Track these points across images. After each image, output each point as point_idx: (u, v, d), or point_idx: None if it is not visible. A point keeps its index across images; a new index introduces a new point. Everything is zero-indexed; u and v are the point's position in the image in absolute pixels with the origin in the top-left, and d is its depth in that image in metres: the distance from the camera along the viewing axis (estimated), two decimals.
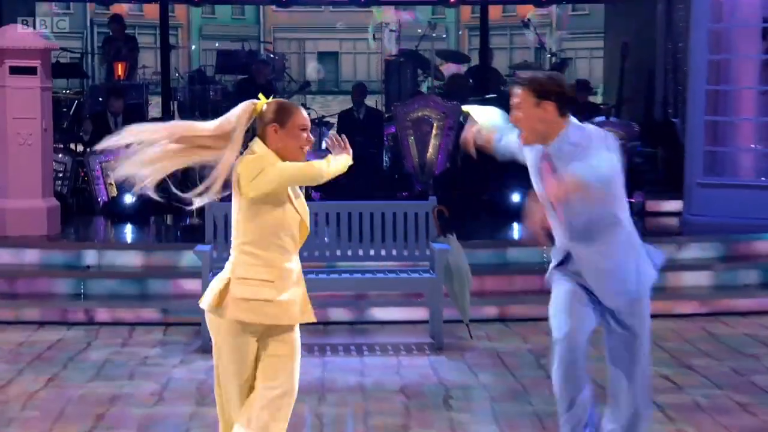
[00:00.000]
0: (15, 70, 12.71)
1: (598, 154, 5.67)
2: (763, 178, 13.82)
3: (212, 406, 8.38)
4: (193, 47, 28.45)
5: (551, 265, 6.22)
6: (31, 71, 12.76)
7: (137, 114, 18.14)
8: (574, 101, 5.95)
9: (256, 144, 5.64)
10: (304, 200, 5.86)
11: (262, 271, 5.63)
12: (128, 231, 14.36)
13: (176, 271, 12.08)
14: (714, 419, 7.97)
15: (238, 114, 5.70)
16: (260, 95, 5.87)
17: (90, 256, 12.25)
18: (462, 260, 10.40)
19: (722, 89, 14.03)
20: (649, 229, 14.17)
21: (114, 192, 15.06)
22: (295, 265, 5.75)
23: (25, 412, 8.20)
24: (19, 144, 12.74)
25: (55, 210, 13.18)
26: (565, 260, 6.07)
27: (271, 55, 24.04)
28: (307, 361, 8.06)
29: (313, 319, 5.87)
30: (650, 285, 5.95)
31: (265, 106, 5.72)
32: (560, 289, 6.05)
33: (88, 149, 16.43)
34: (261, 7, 28.53)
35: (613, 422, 6.05)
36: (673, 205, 14.73)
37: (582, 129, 5.76)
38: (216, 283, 5.62)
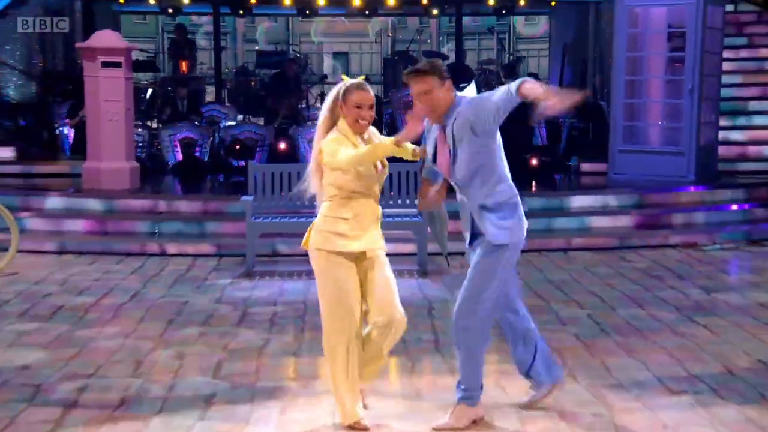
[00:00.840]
0: (105, 64, 12.80)
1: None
2: (666, 146, 13.93)
3: (259, 308, 8.90)
4: (238, 48, 28.21)
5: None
6: (116, 65, 12.84)
7: (197, 99, 18.51)
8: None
9: (340, 120, 5.57)
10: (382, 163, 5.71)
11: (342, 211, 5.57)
12: (190, 186, 14.44)
13: (226, 216, 12.17)
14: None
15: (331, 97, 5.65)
16: (342, 75, 5.83)
17: (162, 205, 12.56)
18: (441, 207, 10.50)
19: (637, 79, 14.24)
20: (582, 184, 14.62)
21: (180, 157, 15.38)
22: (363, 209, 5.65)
23: (115, 318, 8.58)
24: (108, 120, 12.81)
25: (135, 170, 13.39)
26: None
27: (298, 55, 23.89)
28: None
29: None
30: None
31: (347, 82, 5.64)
32: None
33: (161, 125, 16.59)
34: (289, 17, 28.21)
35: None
36: (601, 166, 14.70)
37: (462, 98, 5.51)
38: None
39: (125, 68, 13.02)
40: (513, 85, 5.19)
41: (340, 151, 5.40)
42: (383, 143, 5.48)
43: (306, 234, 5.72)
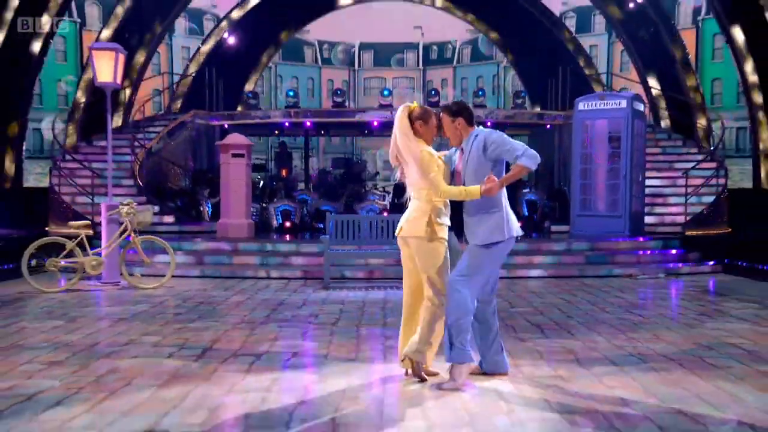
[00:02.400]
0: (234, 155, 13.05)
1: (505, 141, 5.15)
2: (609, 212, 13.75)
3: (331, 306, 8.84)
4: (320, 156, 28.57)
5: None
6: (241, 155, 13.06)
7: (292, 188, 18.65)
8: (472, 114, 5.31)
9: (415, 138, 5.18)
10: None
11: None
12: (284, 240, 14.21)
13: (310, 254, 12.03)
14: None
15: (400, 117, 5.21)
16: (414, 101, 5.47)
17: (269, 246, 12.49)
18: (455, 241, 10.46)
19: (588, 167, 14.09)
20: (552, 236, 14.32)
21: (280, 219, 15.41)
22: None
23: (237, 308, 8.61)
24: (235, 191, 13.07)
25: (251, 225, 13.45)
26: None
27: (358, 160, 24.03)
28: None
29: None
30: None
31: (415, 108, 5.27)
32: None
33: (268, 202, 16.65)
34: (354, 137, 28.45)
35: None
36: (565, 227, 14.52)
37: (480, 131, 5.22)
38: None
39: (246, 158, 13.20)
40: (520, 155, 5.05)
41: (439, 178, 5.11)
42: (472, 189, 5.01)
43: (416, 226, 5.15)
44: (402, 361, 5.35)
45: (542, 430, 4.23)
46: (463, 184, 5.15)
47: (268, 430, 4.22)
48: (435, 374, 5.34)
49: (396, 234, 5.37)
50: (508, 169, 5.26)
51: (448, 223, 5.23)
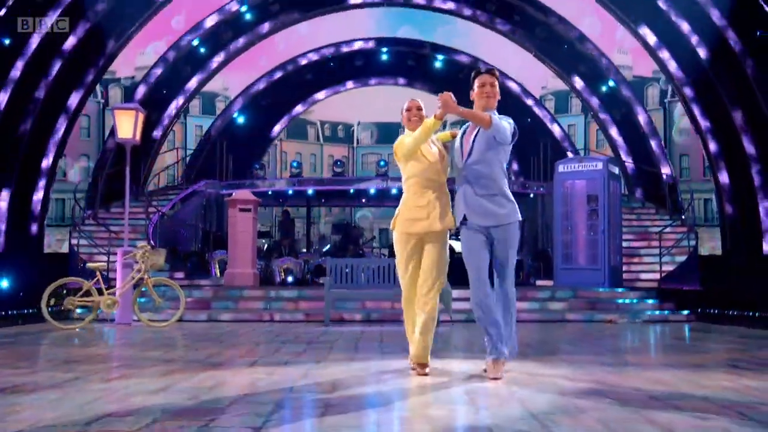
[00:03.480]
0: (241, 210, 13.14)
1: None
2: (589, 265, 13.74)
3: (331, 335, 8.70)
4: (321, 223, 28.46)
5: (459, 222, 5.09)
6: (248, 210, 13.16)
7: (295, 249, 18.61)
8: None
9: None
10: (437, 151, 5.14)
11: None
12: (287, 287, 14.35)
13: (311, 298, 11.93)
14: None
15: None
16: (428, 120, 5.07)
17: (271, 293, 12.42)
18: (447, 286, 10.43)
19: (569, 224, 14.15)
20: (538, 287, 14.27)
21: (283, 276, 15.40)
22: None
23: (239, 339, 8.53)
24: (242, 243, 12.97)
25: (256, 275, 13.46)
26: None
27: (355, 226, 23.77)
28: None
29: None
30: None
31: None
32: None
33: (271, 259, 16.59)
34: (351, 207, 28.50)
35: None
36: (549, 282, 14.56)
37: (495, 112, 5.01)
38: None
39: (253, 212, 13.29)
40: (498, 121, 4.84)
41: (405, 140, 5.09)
42: (427, 120, 4.93)
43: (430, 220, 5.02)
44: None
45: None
46: (468, 157, 4.97)
47: (274, 393, 4.17)
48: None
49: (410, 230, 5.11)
50: (509, 171, 5.12)
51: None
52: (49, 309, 9.87)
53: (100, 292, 10.02)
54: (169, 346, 7.33)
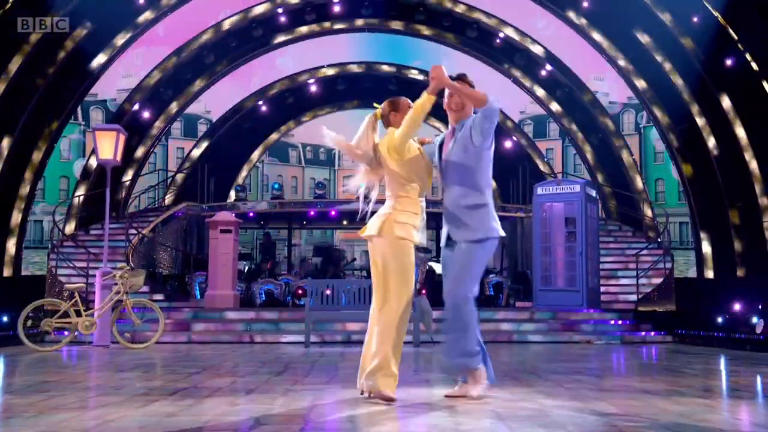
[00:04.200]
0: (222, 231, 13.01)
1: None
2: (567, 287, 13.69)
3: (308, 357, 8.54)
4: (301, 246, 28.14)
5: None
6: (229, 231, 13.03)
7: (275, 271, 18.49)
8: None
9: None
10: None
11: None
12: (267, 309, 14.23)
13: (292, 319, 11.76)
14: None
15: (365, 127, 4.81)
16: (375, 104, 4.94)
17: (251, 315, 12.22)
18: (427, 306, 10.30)
19: (548, 245, 14.13)
20: (518, 309, 14.27)
21: (264, 297, 15.24)
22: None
23: (217, 360, 8.34)
24: (223, 264, 12.95)
25: (237, 297, 13.26)
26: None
27: (336, 247, 23.78)
28: None
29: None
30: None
31: (381, 108, 4.85)
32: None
33: (252, 281, 16.45)
34: (334, 229, 28.26)
35: None
36: (528, 303, 14.57)
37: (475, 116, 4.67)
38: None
39: (234, 234, 13.18)
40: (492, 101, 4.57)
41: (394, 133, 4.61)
42: (418, 101, 4.52)
43: (378, 226, 4.58)
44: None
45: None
46: (443, 167, 4.67)
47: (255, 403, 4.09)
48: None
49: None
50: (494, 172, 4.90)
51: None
52: (26, 331, 9.71)
53: (78, 314, 9.88)
54: (147, 370, 7.21)
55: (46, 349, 9.56)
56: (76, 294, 9.96)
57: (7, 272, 17.41)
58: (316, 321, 10.63)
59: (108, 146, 10.84)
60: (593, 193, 14.70)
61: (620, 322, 12.91)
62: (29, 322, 9.91)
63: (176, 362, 7.93)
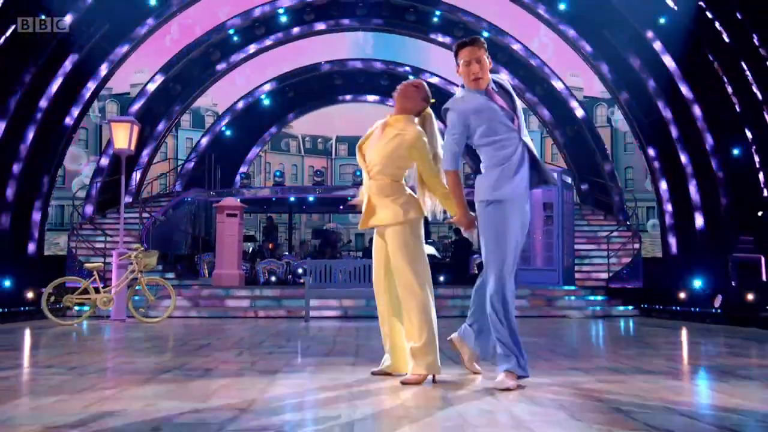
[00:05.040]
0: (228, 215, 12.96)
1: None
2: (545, 266, 13.73)
3: (307, 330, 8.58)
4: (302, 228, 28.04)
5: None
6: (234, 216, 12.97)
7: (278, 252, 18.42)
8: None
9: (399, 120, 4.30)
10: None
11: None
12: (271, 287, 14.27)
13: (292, 297, 11.79)
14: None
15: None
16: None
17: (256, 291, 12.37)
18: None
19: (528, 229, 14.20)
20: None
21: (266, 277, 15.24)
22: None
23: (226, 333, 8.32)
24: (229, 246, 12.82)
25: (242, 275, 13.27)
26: None
27: (333, 230, 23.39)
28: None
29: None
30: None
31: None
32: None
33: (256, 261, 16.37)
34: (330, 213, 28.16)
35: None
36: None
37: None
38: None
39: (239, 217, 13.12)
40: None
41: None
42: (451, 210, 4.13)
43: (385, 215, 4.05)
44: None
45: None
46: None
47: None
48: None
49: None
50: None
51: None
52: (49, 306, 9.70)
53: (97, 291, 9.87)
54: (159, 342, 7.21)
55: (67, 323, 9.55)
56: (95, 272, 9.95)
57: (31, 252, 17.37)
58: (314, 297, 10.63)
59: (123, 136, 10.78)
60: (569, 180, 14.74)
61: (593, 298, 12.99)
62: (52, 298, 9.87)
63: (186, 335, 7.94)
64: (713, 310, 10.86)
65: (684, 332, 8.88)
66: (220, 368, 4.87)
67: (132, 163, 19.20)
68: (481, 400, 3.58)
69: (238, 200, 13.68)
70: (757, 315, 9.65)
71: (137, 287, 10.18)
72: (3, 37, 14.23)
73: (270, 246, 20.17)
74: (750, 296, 10.30)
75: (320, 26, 21.90)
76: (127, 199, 19.14)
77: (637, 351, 6.44)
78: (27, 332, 8.49)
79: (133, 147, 11.03)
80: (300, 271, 14.77)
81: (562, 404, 3.45)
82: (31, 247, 17.50)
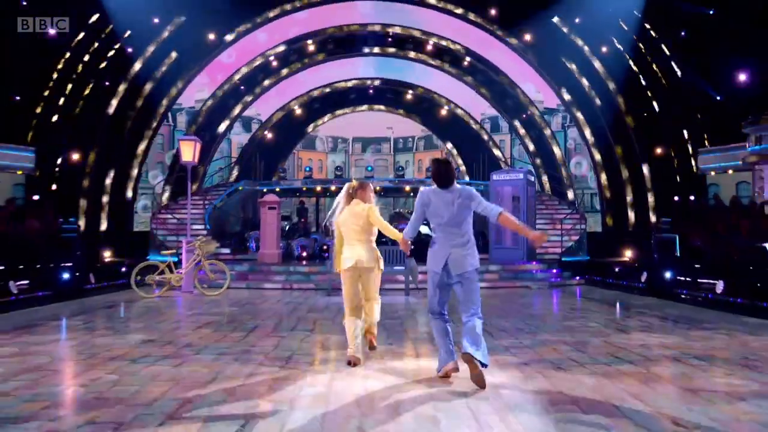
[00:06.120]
0: (269, 208, 12.70)
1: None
2: (512, 246, 13.50)
3: (328, 304, 8.63)
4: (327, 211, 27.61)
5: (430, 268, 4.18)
6: (273, 208, 12.72)
7: (308, 230, 18.01)
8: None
9: (359, 202, 4.59)
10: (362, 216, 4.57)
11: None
12: (303, 264, 13.92)
13: (319, 272, 11.59)
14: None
15: (343, 196, 4.67)
16: (353, 184, 4.77)
17: (290, 268, 12.12)
18: (414, 264, 10.10)
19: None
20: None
21: (299, 251, 15.15)
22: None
23: (274, 303, 8.35)
24: (269, 231, 12.69)
25: (280, 254, 12.96)
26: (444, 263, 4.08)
27: None
28: None
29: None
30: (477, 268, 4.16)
31: (353, 185, 4.74)
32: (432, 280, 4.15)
33: (291, 239, 16.05)
34: None
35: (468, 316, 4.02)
36: (485, 255, 13.96)
37: (461, 184, 4.22)
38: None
39: (277, 210, 12.97)
40: (496, 209, 4.09)
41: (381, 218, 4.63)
42: (394, 232, 4.56)
43: (373, 260, 4.58)
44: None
45: None
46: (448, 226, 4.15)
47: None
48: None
49: (355, 265, 4.58)
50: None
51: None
52: (136, 282, 9.73)
53: (171, 271, 9.89)
54: (219, 310, 7.23)
55: (150, 295, 9.58)
56: (169, 259, 9.95)
57: (126, 229, 17.55)
58: (336, 274, 10.57)
59: (188, 152, 10.68)
60: (532, 178, 14.53)
61: (549, 271, 12.90)
62: (138, 277, 9.90)
63: (237, 303, 7.96)
64: (640, 285, 10.76)
65: (617, 307, 8.78)
66: (259, 332, 4.87)
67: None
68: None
69: (277, 191, 13.53)
70: (673, 292, 9.53)
71: (200, 271, 10.20)
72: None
73: (302, 221, 20.09)
74: (668, 275, 10.17)
75: (339, 52, 21.59)
76: (193, 189, 19.14)
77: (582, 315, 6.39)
78: (122, 305, 8.55)
79: (196, 160, 10.93)
80: (325, 247, 14.72)
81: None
82: (126, 226, 17.66)
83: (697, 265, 9.97)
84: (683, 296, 9.14)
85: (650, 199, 17.77)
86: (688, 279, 9.53)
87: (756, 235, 10.64)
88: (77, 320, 7.01)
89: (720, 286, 8.46)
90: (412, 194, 21.73)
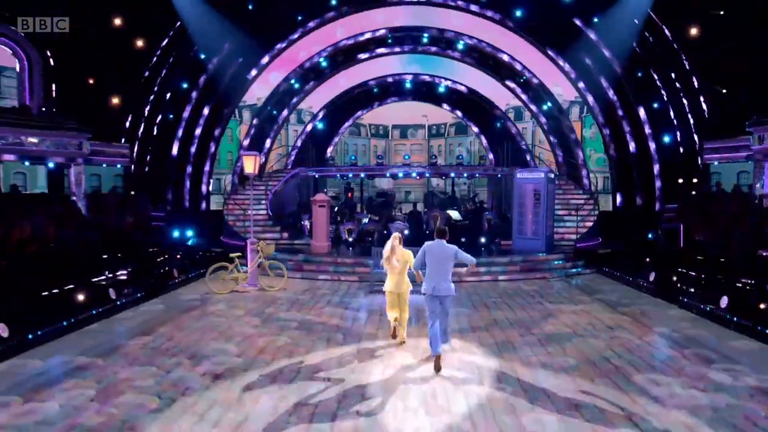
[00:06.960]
0: (319, 206, 12.36)
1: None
2: (533, 236, 12.82)
3: (375, 301, 8.33)
4: (370, 190, 26.90)
5: (425, 290, 5.38)
6: (323, 206, 12.31)
7: (354, 211, 16.98)
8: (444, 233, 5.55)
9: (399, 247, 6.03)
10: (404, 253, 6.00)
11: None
12: (348, 257, 13.02)
13: (363, 265, 11.10)
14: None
15: (392, 244, 6.07)
16: (397, 234, 6.10)
17: (338, 259, 11.66)
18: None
19: (522, 209, 13.14)
20: (501, 251, 12.96)
21: (346, 236, 14.67)
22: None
23: (328, 291, 8.03)
24: (320, 227, 12.23)
25: (329, 246, 12.58)
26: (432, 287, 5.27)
27: (391, 192, 21.83)
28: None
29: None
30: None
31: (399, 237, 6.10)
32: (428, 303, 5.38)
33: (339, 223, 15.24)
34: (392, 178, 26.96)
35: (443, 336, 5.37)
36: (509, 242, 13.47)
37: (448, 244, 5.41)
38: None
39: (327, 207, 12.56)
40: (471, 259, 5.41)
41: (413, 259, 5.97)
42: (412, 262, 5.85)
43: (405, 287, 6.12)
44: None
45: None
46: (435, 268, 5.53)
47: None
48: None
49: (394, 290, 6.11)
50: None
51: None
52: (210, 278, 9.61)
53: (238, 270, 9.74)
54: (279, 303, 6.96)
55: (222, 291, 9.47)
56: (236, 260, 9.76)
57: (203, 209, 17.62)
58: (377, 274, 10.16)
59: (250, 165, 10.27)
60: (552, 176, 13.63)
61: (566, 261, 12.16)
62: (212, 275, 9.78)
63: (296, 296, 7.68)
64: (647, 285, 9.86)
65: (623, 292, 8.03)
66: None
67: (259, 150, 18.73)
68: None
69: (326, 173, 12.98)
70: (678, 298, 8.60)
71: (263, 271, 10.00)
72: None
73: (349, 195, 19.63)
74: (674, 278, 9.21)
75: (380, 50, 20.49)
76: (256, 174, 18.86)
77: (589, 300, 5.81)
78: (207, 299, 8.44)
79: (256, 171, 10.51)
80: (368, 235, 14.27)
81: None
82: (203, 206, 17.70)
83: (702, 275, 8.88)
84: (688, 302, 8.22)
85: (657, 183, 16.53)
86: (692, 290, 8.49)
87: (757, 235, 9.55)
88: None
89: (724, 301, 7.56)
90: (443, 177, 20.82)
